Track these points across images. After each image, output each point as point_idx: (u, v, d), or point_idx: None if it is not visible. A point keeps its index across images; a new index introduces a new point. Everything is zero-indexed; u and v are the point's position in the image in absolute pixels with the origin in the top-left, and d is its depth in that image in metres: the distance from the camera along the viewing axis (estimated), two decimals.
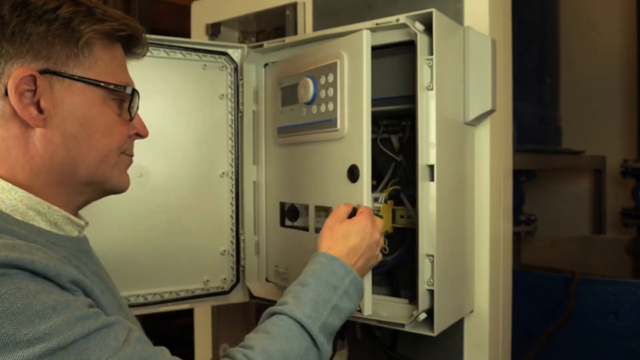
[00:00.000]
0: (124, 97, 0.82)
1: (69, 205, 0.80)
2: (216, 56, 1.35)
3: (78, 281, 0.69)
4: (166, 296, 1.32)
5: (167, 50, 1.30)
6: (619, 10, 3.06)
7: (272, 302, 1.29)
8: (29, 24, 0.73)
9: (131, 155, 0.87)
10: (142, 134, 0.87)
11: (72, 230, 0.81)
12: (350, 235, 0.96)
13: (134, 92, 0.83)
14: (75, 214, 0.83)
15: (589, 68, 3.08)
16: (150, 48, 1.23)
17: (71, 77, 0.76)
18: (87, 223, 0.84)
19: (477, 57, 1.17)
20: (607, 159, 2.99)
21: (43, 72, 0.74)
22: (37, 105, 0.74)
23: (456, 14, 1.21)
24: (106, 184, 0.83)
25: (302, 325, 0.84)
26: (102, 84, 0.78)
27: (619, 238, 2.82)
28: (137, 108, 0.85)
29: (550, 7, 2.68)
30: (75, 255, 0.79)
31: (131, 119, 0.84)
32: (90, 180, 0.80)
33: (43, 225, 0.76)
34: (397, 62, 1.18)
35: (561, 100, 2.80)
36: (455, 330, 1.24)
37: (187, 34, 1.76)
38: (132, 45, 0.85)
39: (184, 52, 1.31)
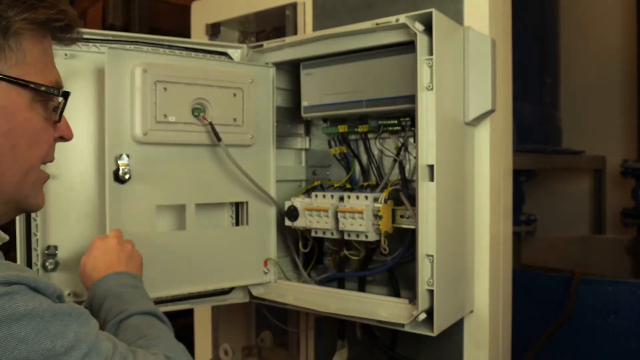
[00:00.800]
0: (52, 98, 0.72)
1: None
2: (216, 56, 1.35)
3: (60, 295, 0.66)
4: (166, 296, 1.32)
5: (167, 50, 1.30)
6: (619, 11, 3.06)
7: (273, 302, 1.30)
8: None
9: (52, 161, 0.76)
10: (66, 137, 0.77)
11: None
12: (98, 259, 0.99)
13: (66, 95, 0.73)
14: None
15: (589, 68, 3.08)
16: (150, 48, 1.24)
17: None
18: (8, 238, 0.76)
19: (477, 57, 1.17)
20: (607, 159, 2.99)
21: None
22: None
23: (456, 14, 1.21)
24: (21, 203, 0.72)
25: (151, 314, 0.88)
26: (31, 85, 0.67)
27: (619, 238, 2.82)
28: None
29: (550, 7, 2.69)
30: None
31: (58, 121, 0.74)
32: (9, 199, 0.69)
33: None
34: (397, 62, 1.18)
35: (561, 100, 2.80)
36: (455, 330, 1.24)
37: (187, 34, 1.76)
38: (64, 32, 0.74)
39: (183, 52, 1.31)
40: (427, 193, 1.07)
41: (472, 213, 1.24)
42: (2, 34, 0.64)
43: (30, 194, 0.72)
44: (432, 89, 1.06)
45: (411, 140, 1.26)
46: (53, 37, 0.73)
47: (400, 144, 1.27)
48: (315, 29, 1.45)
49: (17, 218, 1.11)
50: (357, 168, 1.38)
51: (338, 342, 1.42)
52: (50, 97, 0.71)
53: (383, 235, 1.20)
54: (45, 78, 0.69)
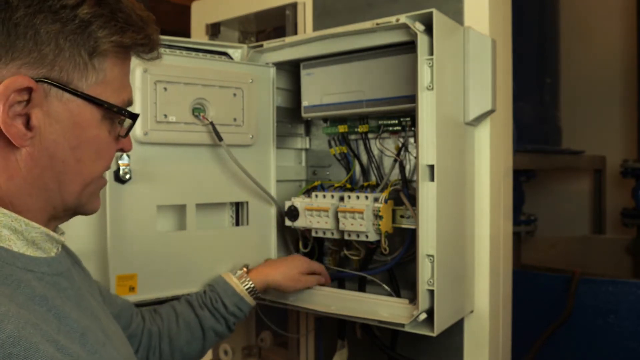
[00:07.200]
0: (122, 118, 0.73)
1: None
2: (216, 56, 1.35)
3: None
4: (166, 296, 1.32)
5: (167, 50, 1.29)
6: (619, 11, 3.06)
7: (273, 302, 1.30)
8: (40, 18, 0.61)
9: (109, 169, 0.78)
10: (126, 150, 0.79)
11: (50, 249, 0.71)
12: None
13: (135, 117, 0.74)
14: None
15: (589, 68, 3.08)
16: None
17: (74, 92, 0.65)
18: (64, 239, 0.75)
19: (477, 57, 1.17)
20: (607, 159, 2.99)
21: (41, 80, 0.62)
22: (26, 120, 0.63)
23: (456, 14, 1.21)
24: (79, 209, 0.74)
25: None
26: (105, 105, 0.68)
27: (619, 238, 2.82)
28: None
29: (550, 7, 2.68)
30: (54, 282, 0.69)
31: (124, 137, 0.76)
32: (68, 207, 0.72)
33: (19, 246, 0.65)
34: (397, 62, 1.18)
35: (561, 100, 2.80)
36: (455, 330, 1.24)
37: (187, 34, 1.76)
38: (145, 54, 0.75)
39: (184, 52, 1.31)
40: (427, 193, 1.07)
41: (472, 213, 1.24)
42: (89, 53, 0.65)
43: (88, 202, 0.74)
44: (432, 89, 1.06)
45: (411, 140, 1.26)
46: (134, 55, 0.74)
47: (400, 144, 1.27)
48: (315, 29, 1.45)
49: None
50: (357, 168, 1.38)
51: (338, 342, 1.42)
52: (122, 118, 0.73)
53: (383, 235, 1.20)
54: (118, 97, 0.70)
